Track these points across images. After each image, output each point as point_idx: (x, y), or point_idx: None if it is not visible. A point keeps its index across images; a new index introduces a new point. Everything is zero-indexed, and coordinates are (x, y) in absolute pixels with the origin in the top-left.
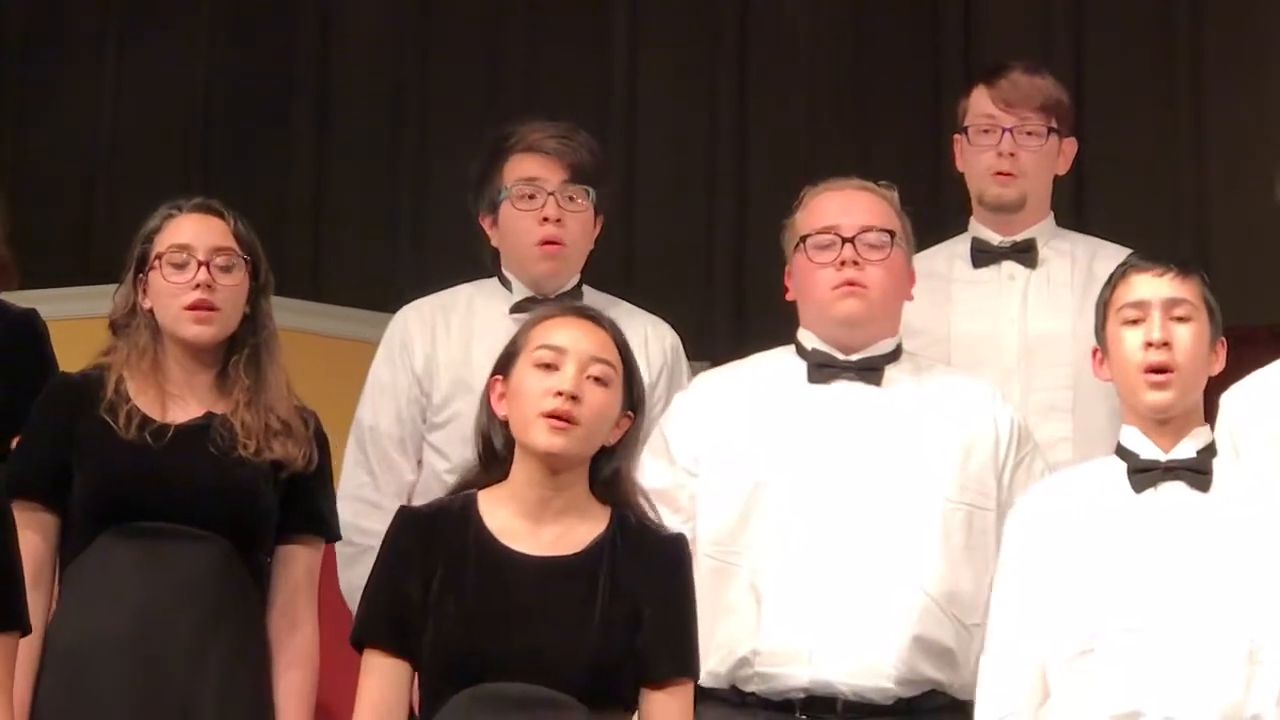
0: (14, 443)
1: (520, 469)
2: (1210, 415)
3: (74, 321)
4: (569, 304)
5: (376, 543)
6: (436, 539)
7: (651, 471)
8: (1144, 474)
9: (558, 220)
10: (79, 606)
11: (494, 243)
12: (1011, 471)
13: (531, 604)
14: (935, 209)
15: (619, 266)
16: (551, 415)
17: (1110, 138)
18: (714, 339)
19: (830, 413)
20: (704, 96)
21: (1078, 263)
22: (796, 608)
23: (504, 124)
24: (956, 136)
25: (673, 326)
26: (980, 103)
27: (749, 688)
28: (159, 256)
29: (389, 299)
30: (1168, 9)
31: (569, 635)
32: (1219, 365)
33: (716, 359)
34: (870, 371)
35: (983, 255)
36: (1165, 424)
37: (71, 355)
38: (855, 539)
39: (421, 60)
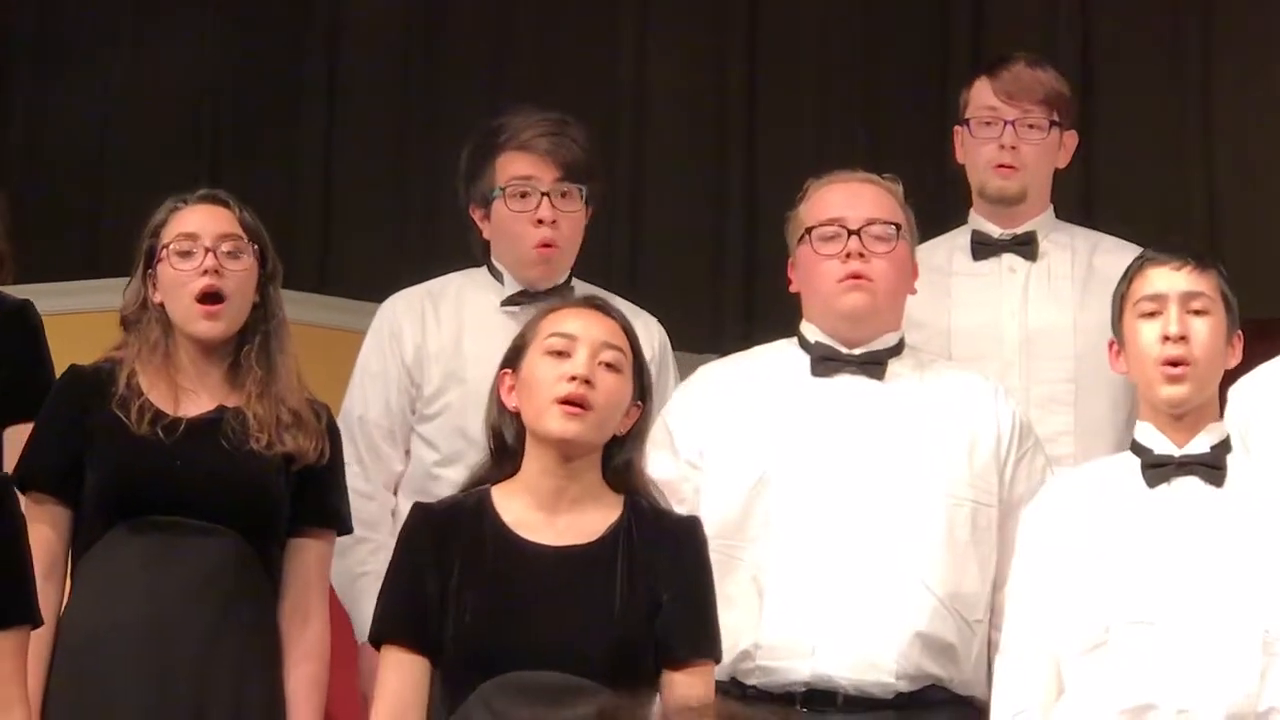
0: (3, 434)
1: (533, 460)
2: (1219, 407)
3: (83, 315)
4: (578, 297)
5: (368, 533)
6: (452, 535)
7: (655, 463)
8: (1158, 469)
9: (553, 222)
10: (91, 599)
11: (485, 235)
12: (1013, 467)
13: (551, 594)
14: (941, 205)
15: (627, 256)
16: (565, 400)
17: (1119, 132)
18: (722, 332)
19: (833, 407)
20: (713, 88)
21: (1078, 255)
22: (798, 601)
23: (494, 116)
24: (957, 128)
25: (681, 318)
26: (982, 95)
27: (750, 681)
28: (166, 248)
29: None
30: (1176, 1)
31: (590, 623)
32: (1235, 358)
33: (725, 353)
34: (873, 365)
35: (983, 248)
36: (1181, 418)
37: (81, 350)
38: (858, 533)
39: (429, 54)
